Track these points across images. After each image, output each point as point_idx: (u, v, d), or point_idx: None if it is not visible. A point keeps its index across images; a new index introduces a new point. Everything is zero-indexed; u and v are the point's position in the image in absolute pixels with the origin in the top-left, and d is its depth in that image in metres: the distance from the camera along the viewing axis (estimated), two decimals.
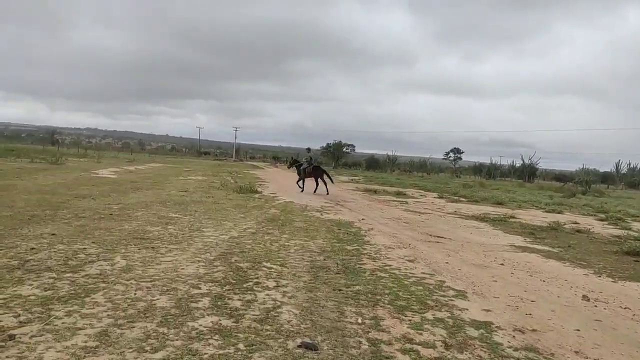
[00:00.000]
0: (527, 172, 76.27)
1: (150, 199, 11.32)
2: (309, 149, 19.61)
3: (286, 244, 7.00)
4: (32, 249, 5.40)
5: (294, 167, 18.89)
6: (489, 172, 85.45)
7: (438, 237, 8.91)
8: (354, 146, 74.56)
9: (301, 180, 17.87)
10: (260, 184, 20.31)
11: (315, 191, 17.24)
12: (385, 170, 77.40)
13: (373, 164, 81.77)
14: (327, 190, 17.44)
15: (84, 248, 5.64)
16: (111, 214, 8.47)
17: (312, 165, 17.92)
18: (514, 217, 13.68)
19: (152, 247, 5.97)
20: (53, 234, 6.29)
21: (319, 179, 17.63)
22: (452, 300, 4.70)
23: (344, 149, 72.88)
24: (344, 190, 21.31)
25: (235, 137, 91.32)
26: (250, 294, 4.34)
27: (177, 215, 9.08)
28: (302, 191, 17.13)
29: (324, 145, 75.17)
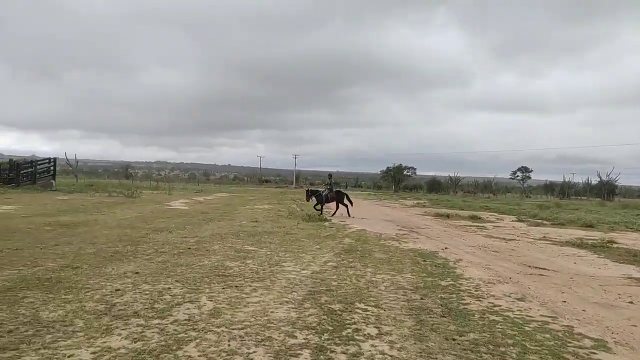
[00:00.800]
0: (606, 190, 70.61)
1: (223, 231, 11.22)
2: (330, 175, 20.19)
3: (373, 279, 6.43)
4: (117, 290, 5.23)
5: (313, 198, 18.46)
6: (562, 190, 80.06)
7: (539, 268, 7.93)
8: (415, 169, 72.91)
9: (319, 205, 18.05)
10: (326, 211, 19.95)
11: (334, 214, 17.74)
12: (448, 192, 74.77)
13: (435, 186, 79.36)
14: (349, 213, 17.71)
15: (169, 288, 5.40)
16: (189, 248, 8.35)
17: (334, 190, 18.65)
18: (613, 242, 12.19)
19: (236, 286, 5.63)
20: (136, 272, 6.16)
21: (340, 203, 18.10)
22: (593, 352, 3.89)
23: (405, 172, 71.36)
24: (414, 216, 20.42)
25: (295, 164, 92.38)
26: (353, 344, 3.80)
27: (253, 248, 8.81)
28: (321, 214, 17.30)
29: (384, 169, 74.18)
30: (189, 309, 4.60)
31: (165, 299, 4.94)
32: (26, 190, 24.98)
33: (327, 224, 14.45)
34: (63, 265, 6.46)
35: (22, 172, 27.22)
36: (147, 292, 5.17)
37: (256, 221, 14.06)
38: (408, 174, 72.19)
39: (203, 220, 13.81)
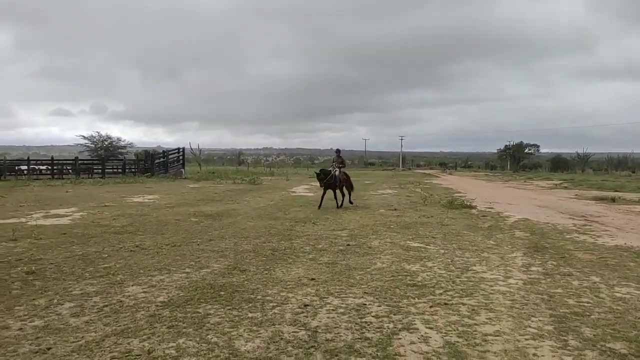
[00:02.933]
0: None
1: (368, 222, 10.13)
2: (338, 151, 14.29)
3: (617, 295, 4.74)
4: (306, 305, 4.28)
5: (326, 180, 12.82)
6: None
7: None
8: (538, 146, 65.81)
9: (331, 191, 13.07)
10: (459, 195, 18.02)
11: (341, 205, 12.99)
12: (575, 171, 66.75)
13: (560, 164, 71.37)
14: (346, 202, 13.35)
15: (363, 304, 4.32)
16: (349, 245, 7.34)
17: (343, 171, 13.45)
18: None
19: (445, 303, 4.38)
20: (312, 279, 5.22)
21: (348, 189, 13.66)
22: None
23: (526, 150, 64.91)
24: (567, 200, 17.58)
25: (402, 146, 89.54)
26: None
27: (417, 244, 7.55)
28: (338, 205, 12.88)
29: (501, 147, 68.40)
30: (413, 343, 3.44)
31: (370, 323, 3.84)
32: (161, 179, 26.63)
33: (474, 211, 12.71)
34: (229, 266, 5.78)
35: (155, 162, 29.17)
36: (343, 311, 4.13)
37: (395, 209, 12.80)
38: (530, 152, 65.48)
39: (338, 209, 12.90)
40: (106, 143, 41.12)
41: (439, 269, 5.82)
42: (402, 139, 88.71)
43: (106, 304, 4.30)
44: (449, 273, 5.59)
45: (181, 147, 32.02)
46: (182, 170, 29.81)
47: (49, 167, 27.63)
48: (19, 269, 5.55)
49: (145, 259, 6.20)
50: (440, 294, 4.72)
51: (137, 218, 10.18)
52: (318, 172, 13.29)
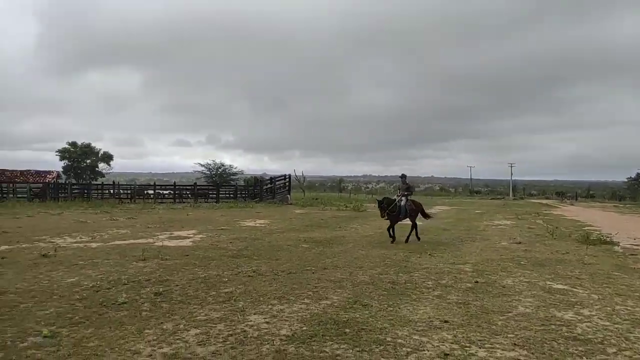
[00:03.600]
0: None
1: (492, 255, 9.14)
2: (403, 176, 12.37)
3: None
4: (447, 355, 3.69)
5: (388, 209, 11.25)
6: None
7: None
8: None
9: (392, 223, 11.33)
10: (592, 229, 15.79)
11: (408, 239, 11.11)
12: None
13: None
14: (417, 235, 11.53)
15: (514, 358, 3.62)
16: (477, 282, 6.54)
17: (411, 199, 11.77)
18: None
19: None
20: (445, 321, 4.60)
21: (424, 216, 12.21)
22: None
23: None
24: None
25: (512, 174, 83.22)
26: None
27: (560, 285, 6.48)
28: (393, 241, 10.90)
29: (632, 175, 60.38)
30: None
31: None
32: (268, 204, 27.58)
33: (618, 248, 10.92)
34: (349, 300, 5.39)
35: (264, 188, 30.40)
36: None
37: (519, 243, 11.50)
38: None
39: (453, 239, 11.97)
40: (220, 170, 44.12)
41: (600, 319, 4.83)
42: (512, 166, 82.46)
43: (230, 332, 4.14)
44: (616, 326, 4.59)
45: (287, 174, 33.06)
46: (289, 196, 30.63)
47: (171, 192, 30.21)
48: (148, 289, 5.74)
49: (264, 285, 6.08)
50: (615, 353, 3.82)
51: (251, 242, 10.36)
52: (380, 200, 11.78)
